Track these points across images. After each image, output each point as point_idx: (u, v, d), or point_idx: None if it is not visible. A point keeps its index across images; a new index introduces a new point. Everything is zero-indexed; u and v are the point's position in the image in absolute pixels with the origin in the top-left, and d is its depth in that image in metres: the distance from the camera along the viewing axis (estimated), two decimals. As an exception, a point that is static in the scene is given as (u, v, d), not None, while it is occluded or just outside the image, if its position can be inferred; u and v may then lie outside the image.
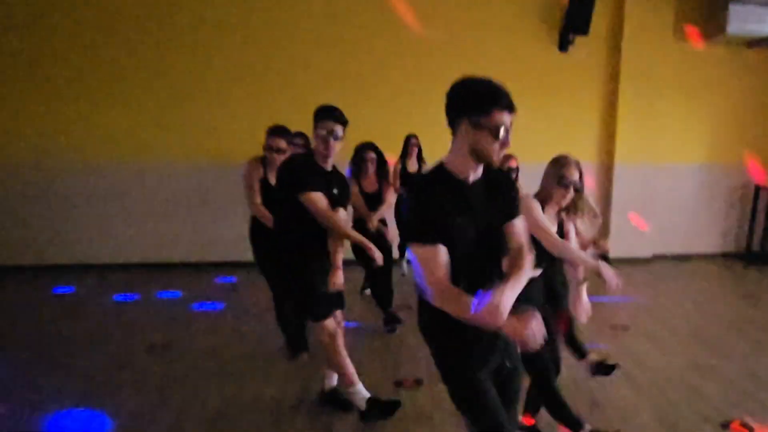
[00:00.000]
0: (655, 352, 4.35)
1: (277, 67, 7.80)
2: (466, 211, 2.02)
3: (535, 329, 1.88)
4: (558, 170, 3.09)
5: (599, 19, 7.85)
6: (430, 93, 7.52)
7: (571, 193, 3.12)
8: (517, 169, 5.32)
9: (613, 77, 8.40)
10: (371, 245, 3.57)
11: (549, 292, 3.70)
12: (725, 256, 8.80)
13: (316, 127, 3.21)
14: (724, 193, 8.75)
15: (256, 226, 4.40)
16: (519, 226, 2.21)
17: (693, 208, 8.74)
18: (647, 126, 8.26)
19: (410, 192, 2.04)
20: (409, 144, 6.53)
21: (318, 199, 3.23)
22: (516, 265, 2.12)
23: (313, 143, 3.31)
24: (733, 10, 7.45)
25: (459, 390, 2.17)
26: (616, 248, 6.84)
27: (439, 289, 1.94)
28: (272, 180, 4.22)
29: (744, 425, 3.44)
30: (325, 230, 3.39)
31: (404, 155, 6.53)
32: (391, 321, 5.17)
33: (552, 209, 3.18)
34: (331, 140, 3.19)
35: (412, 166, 6.55)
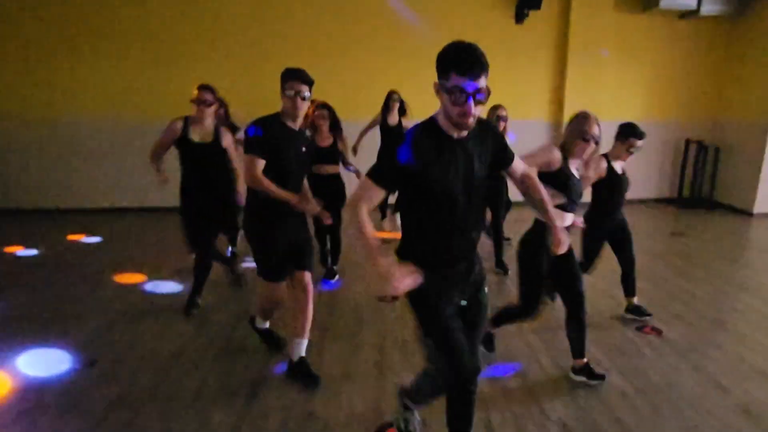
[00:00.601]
0: (589, 277, 4.95)
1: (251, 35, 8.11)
2: (447, 164, 1.99)
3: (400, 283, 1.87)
4: (581, 126, 3.10)
5: None
6: (402, 55, 8.23)
7: (592, 147, 3.14)
8: (506, 118, 5.35)
9: (562, 45, 8.81)
10: (307, 206, 3.30)
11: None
12: (660, 200, 9.42)
13: (283, 88, 3.09)
14: (659, 146, 9.20)
15: (183, 180, 4.30)
16: (518, 164, 2.28)
17: (632, 158, 9.22)
18: (592, 87, 8.69)
19: (401, 140, 2.00)
20: (390, 99, 6.54)
21: (254, 161, 3.08)
22: (536, 188, 2.31)
23: (281, 104, 3.17)
24: (666, -15, 7.99)
25: (425, 317, 2.19)
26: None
27: (354, 211, 1.96)
28: (195, 138, 4.13)
29: (654, 329, 4.09)
30: (292, 185, 3.25)
31: (385, 109, 6.56)
32: (330, 275, 5.30)
33: (574, 163, 3.22)
34: (299, 100, 3.08)
35: (393, 119, 6.56)
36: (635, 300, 4.37)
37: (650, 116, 8.87)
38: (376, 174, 1.98)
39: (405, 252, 2.14)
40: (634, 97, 8.98)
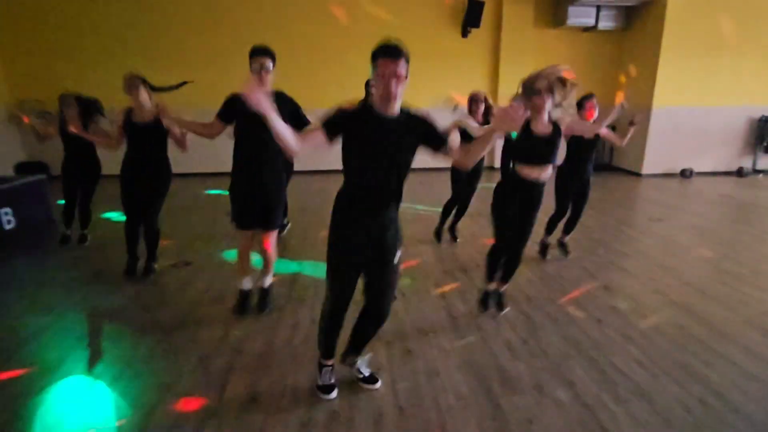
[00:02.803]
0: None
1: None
2: (373, 136, 2.15)
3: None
4: (529, 84, 3.09)
5: (487, 16, 9.52)
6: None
7: (547, 99, 3.07)
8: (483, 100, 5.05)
9: (496, 53, 10.05)
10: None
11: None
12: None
13: (250, 64, 3.13)
14: (573, 128, 10.65)
15: (126, 160, 4.24)
16: (452, 142, 2.29)
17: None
18: (518, 83, 9.93)
19: (343, 108, 2.20)
20: (369, 86, 6.10)
21: (215, 120, 3.29)
22: (467, 147, 2.30)
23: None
24: (571, 9, 9.26)
25: (328, 263, 2.41)
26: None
27: (302, 141, 2.07)
28: (137, 119, 4.09)
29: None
30: (257, 150, 3.28)
31: (366, 96, 6.23)
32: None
33: (541, 116, 3.19)
34: (263, 72, 3.11)
35: None
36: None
37: (564, 106, 10.26)
38: (323, 120, 2.16)
39: (338, 198, 2.34)
40: (551, 92, 10.17)
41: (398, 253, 2.42)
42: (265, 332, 3.46)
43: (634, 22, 9.77)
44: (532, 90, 3.05)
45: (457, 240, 5.67)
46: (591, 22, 9.50)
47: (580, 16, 9.38)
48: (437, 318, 3.72)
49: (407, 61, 2.08)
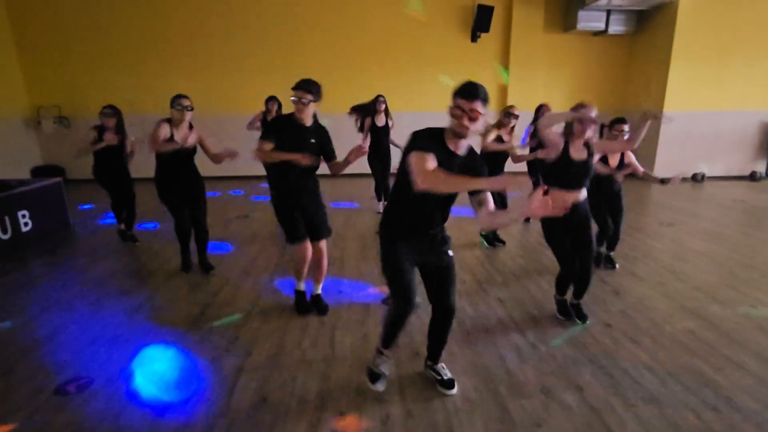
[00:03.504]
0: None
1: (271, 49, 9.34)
2: (446, 164, 2.21)
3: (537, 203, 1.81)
4: (578, 112, 3.18)
5: (496, 21, 9.56)
6: (385, 70, 9.57)
7: (589, 128, 3.19)
8: (517, 116, 5.38)
9: (506, 59, 10.06)
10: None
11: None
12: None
13: (292, 95, 3.32)
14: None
15: (160, 172, 4.44)
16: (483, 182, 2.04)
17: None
18: (527, 92, 9.89)
19: (423, 131, 2.27)
20: (377, 102, 6.66)
21: (262, 143, 3.36)
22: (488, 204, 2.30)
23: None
24: (581, 13, 9.25)
25: (387, 267, 2.50)
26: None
27: (426, 174, 2.03)
28: (177, 137, 4.30)
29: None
30: (297, 170, 3.39)
31: (374, 111, 6.68)
32: None
33: (578, 141, 3.29)
34: (299, 104, 3.30)
35: (380, 120, 6.72)
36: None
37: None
38: (420, 149, 2.16)
39: (387, 220, 2.51)
40: (560, 96, 10.11)
41: (449, 252, 2.57)
42: (274, 334, 3.49)
43: (645, 26, 9.73)
44: (578, 119, 3.17)
45: (504, 243, 5.75)
46: (601, 26, 9.49)
47: (590, 21, 9.36)
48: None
49: (484, 102, 2.18)
